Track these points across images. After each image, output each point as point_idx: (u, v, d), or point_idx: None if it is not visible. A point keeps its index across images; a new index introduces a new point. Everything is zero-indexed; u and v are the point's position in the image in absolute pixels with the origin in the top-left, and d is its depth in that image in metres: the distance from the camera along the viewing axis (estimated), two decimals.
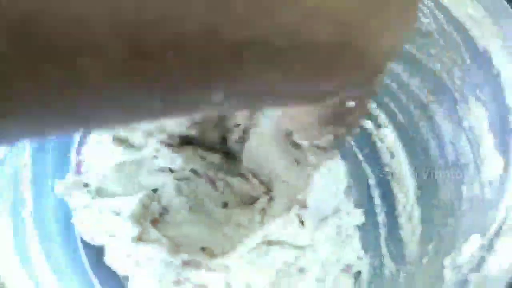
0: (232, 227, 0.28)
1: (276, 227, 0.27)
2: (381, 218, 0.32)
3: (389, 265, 0.29)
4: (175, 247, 0.28)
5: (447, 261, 0.21)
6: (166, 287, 0.28)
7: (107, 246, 0.29)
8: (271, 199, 0.28)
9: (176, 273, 0.28)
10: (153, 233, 0.28)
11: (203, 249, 0.28)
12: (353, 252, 0.30)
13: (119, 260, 0.28)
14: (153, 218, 0.29)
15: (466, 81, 0.27)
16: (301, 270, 0.28)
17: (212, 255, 0.28)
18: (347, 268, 0.30)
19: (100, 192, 0.29)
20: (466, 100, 0.27)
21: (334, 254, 0.29)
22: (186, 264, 0.28)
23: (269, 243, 0.27)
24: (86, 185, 0.30)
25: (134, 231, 0.27)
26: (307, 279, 0.27)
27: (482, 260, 0.19)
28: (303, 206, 0.28)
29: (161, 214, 0.30)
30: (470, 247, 0.20)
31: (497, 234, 0.19)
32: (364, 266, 0.30)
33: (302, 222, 0.28)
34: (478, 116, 0.25)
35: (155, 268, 0.28)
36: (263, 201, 0.28)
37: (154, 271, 0.28)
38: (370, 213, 0.33)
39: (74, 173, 0.31)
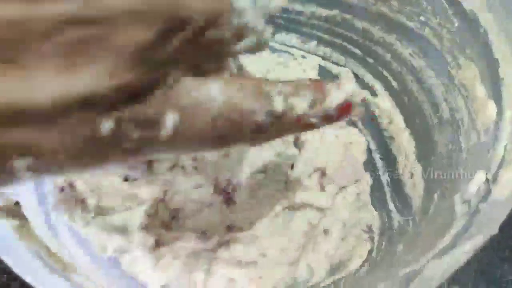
0: (255, 198, 0.29)
1: (299, 191, 0.29)
2: (384, 178, 0.35)
3: (397, 218, 0.32)
4: (202, 234, 0.28)
5: (457, 198, 0.23)
6: (198, 278, 0.28)
7: (121, 258, 0.28)
8: (292, 167, 0.30)
9: (206, 261, 0.28)
10: (171, 233, 0.28)
11: (228, 227, 0.29)
12: (370, 213, 0.33)
13: (140, 269, 0.28)
14: (164, 224, 0.29)
15: (455, 42, 0.29)
16: (326, 231, 0.30)
17: (240, 230, 0.29)
18: (368, 229, 0.32)
19: (99, 210, 0.28)
20: (456, 59, 0.29)
21: (354, 217, 0.31)
22: (219, 245, 0.28)
23: (294, 207, 0.29)
24: (82, 201, 0.28)
25: (149, 240, 0.27)
26: (331, 240, 0.29)
27: (488, 192, 0.21)
28: (324, 173, 0.30)
29: (173, 218, 0.29)
30: (477, 183, 0.22)
31: (499, 168, 0.21)
32: (374, 221, 0.32)
33: (323, 188, 0.30)
34: (469, 72, 0.28)
35: (184, 263, 0.28)
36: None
37: (184, 267, 0.28)
38: (373, 175, 0.35)
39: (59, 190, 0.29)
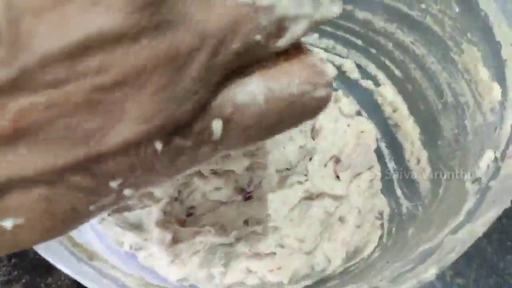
0: (276, 193, 0.29)
1: (315, 181, 0.29)
2: (391, 165, 0.35)
3: (405, 204, 0.32)
4: (220, 229, 0.29)
5: (467, 177, 0.24)
6: (216, 272, 0.29)
7: (137, 253, 0.29)
8: (311, 159, 0.30)
9: (224, 255, 0.29)
10: (188, 229, 0.28)
11: (246, 221, 0.29)
12: (382, 200, 0.33)
13: (157, 264, 0.28)
14: (180, 220, 0.29)
15: (456, 28, 0.30)
16: (341, 219, 0.30)
17: (258, 223, 0.29)
18: (379, 215, 0.33)
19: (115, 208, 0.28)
20: (458, 45, 0.30)
21: (368, 203, 0.32)
22: (237, 239, 0.29)
23: (310, 197, 0.30)
24: None
25: (167, 236, 0.28)
26: (347, 227, 0.30)
27: (497, 169, 0.22)
28: (338, 160, 0.31)
29: (189, 215, 0.30)
30: (486, 161, 0.23)
31: (507, 145, 0.22)
32: (385, 207, 0.33)
33: (338, 177, 0.31)
34: (471, 56, 0.28)
35: (202, 258, 0.28)
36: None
37: (202, 262, 0.28)
38: (380, 162, 0.36)
39: None
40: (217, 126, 0.11)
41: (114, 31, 0.09)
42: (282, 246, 0.29)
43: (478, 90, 0.28)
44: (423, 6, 0.32)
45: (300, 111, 0.12)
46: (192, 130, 0.11)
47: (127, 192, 0.12)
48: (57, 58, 0.09)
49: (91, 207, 0.11)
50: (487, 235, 0.37)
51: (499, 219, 0.38)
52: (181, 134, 0.11)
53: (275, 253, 0.29)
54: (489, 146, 0.23)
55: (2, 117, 0.09)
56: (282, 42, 0.11)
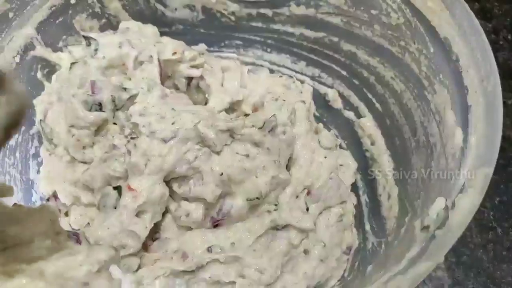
0: (244, 222, 0.29)
1: (284, 213, 0.29)
2: (364, 198, 0.35)
3: (372, 239, 0.32)
4: (182, 257, 0.29)
5: (417, 224, 0.23)
6: None
7: None
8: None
9: (184, 281, 0.29)
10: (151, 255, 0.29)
11: (209, 249, 0.29)
12: (353, 234, 0.33)
13: None
14: (146, 244, 0.30)
15: (431, 67, 0.30)
16: (305, 252, 0.30)
17: (222, 251, 0.29)
18: (347, 250, 0.32)
19: None
20: (432, 84, 0.30)
21: (336, 238, 0.32)
22: (198, 266, 0.29)
23: (276, 227, 0.30)
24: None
25: (135, 261, 0.29)
26: (311, 260, 0.30)
27: (446, 218, 0.21)
28: (309, 192, 0.31)
29: (155, 239, 0.31)
30: (436, 209, 0.22)
31: (459, 194, 0.22)
32: (355, 242, 0.32)
33: (307, 209, 0.31)
34: (442, 98, 0.28)
35: (162, 284, 0.29)
36: None
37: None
38: (355, 194, 0.35)
39: None
40: None
41: None
42: (242, 276, 0.29)
43: (445, 133, 0.27)
44: (402, 43, 0.32)
45: None
46: None
47: None
48: None
49: None
50: (483, 245, 0.38)
51: (494, 229, 0.38)
52: None
53: (235, 282, 0.29)
54: (442, 194, 0.23)
55: None
56: None
